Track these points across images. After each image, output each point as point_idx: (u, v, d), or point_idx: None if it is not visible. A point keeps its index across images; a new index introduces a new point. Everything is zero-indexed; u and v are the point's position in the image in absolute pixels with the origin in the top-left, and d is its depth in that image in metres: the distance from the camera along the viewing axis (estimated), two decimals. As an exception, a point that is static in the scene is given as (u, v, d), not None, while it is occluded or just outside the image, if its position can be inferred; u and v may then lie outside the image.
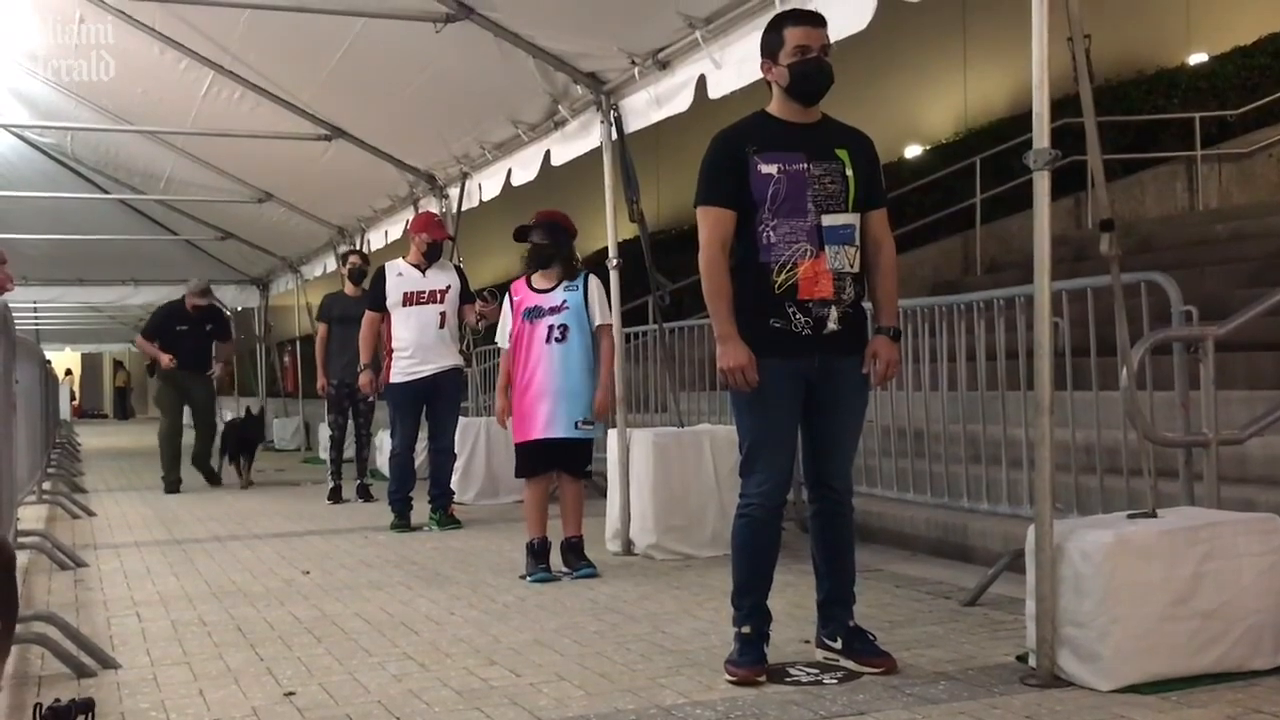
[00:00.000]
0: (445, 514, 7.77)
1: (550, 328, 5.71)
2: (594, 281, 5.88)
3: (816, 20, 3.84)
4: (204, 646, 4.50)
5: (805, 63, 3.75)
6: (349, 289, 9.80)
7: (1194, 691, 3.48)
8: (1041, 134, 3.65)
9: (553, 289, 5.78)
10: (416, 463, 8.05)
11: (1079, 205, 12.46)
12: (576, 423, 5.69)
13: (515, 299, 5.83)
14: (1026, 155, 3.68)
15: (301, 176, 11.08)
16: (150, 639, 4.65)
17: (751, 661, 3.77)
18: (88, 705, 2.83)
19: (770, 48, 3.82)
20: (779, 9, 4.86)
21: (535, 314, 5.73)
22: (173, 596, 5.57)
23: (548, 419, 5.65)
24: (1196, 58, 14.23)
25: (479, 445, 9.27)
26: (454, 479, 8.06)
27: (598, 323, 5.83)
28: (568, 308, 5.74)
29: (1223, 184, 12.99)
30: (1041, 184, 3.66)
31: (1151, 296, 5.01)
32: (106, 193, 14.06)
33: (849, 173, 3.77)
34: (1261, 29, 13.77)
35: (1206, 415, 4.43)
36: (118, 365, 39.93)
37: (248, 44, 8.42)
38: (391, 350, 7.64)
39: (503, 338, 5.92)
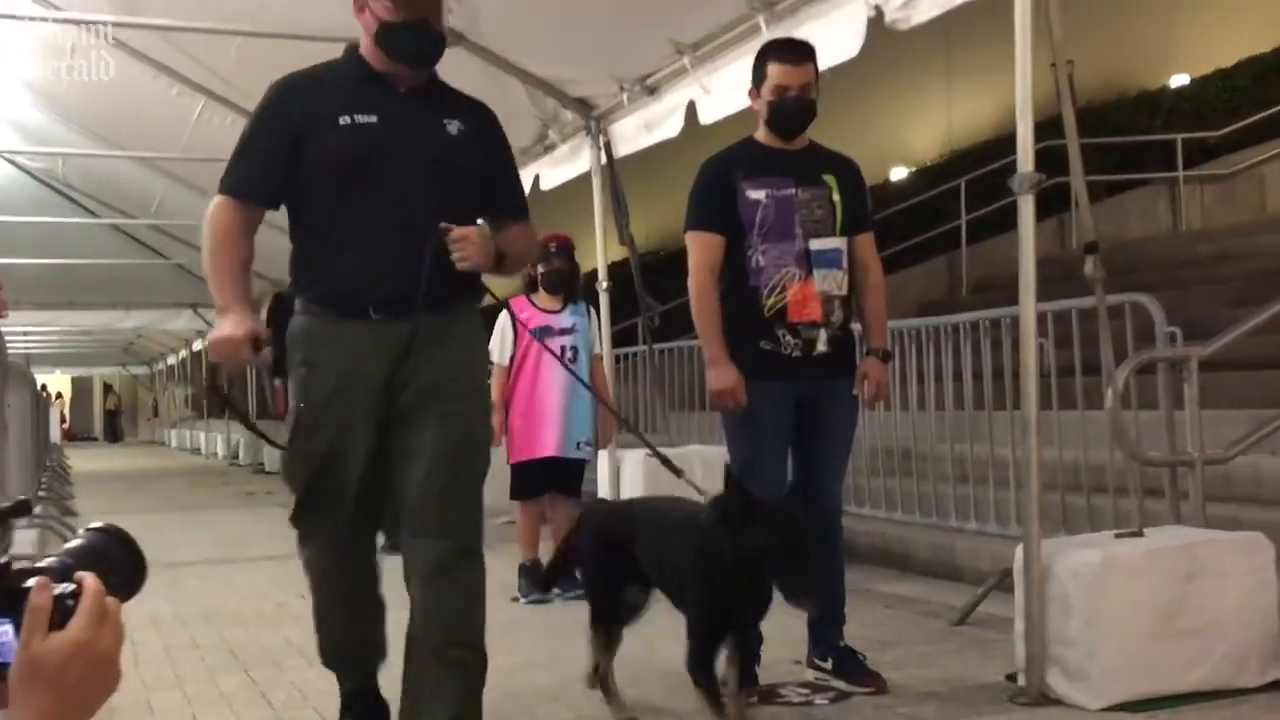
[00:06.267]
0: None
1: (562, 348, 5.75)
2: (593, 311, 5.98)
3: (800, 57, 3.88)
4: (197, 670, 4.51)
5: (784, 103, 3.83)
6: None
7: (1182, 709, 3.51)
8: (1026, 159, 3.70)
9: (559, 311, 5.82)
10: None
11: (1063, 226, 12.54)
12: (579, 443, 5.74)
13: (521, 316, 5.79)
14: (1011, 180, 3.74)
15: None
16: (142, 662, 4.65)
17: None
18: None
19: (756, 78, 3.89)
20: (765, 36, 4.92)
21: (546, 333, 5.73)
22: (165, 619, 5.57)
23: (556, 438, 5.68)
24: (1178, 80, 14.36)
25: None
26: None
27: (596, 350, 5.93)
28: (577, 331, 5.79)
29: (1205, 205, 13.09)
30: (1026, 208, 3.72)
31: (1136, 316, 5.06)
32: (97, 217, 14.09)
33: (836, 197, 3.84)
34: (1241, 52, 13.90)
35: (1191, 435, 4.47)
36: (107, 388, 39.84)
37: (239, 70, 8.45)
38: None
39: (503, 355, 5.81)
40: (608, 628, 3.60)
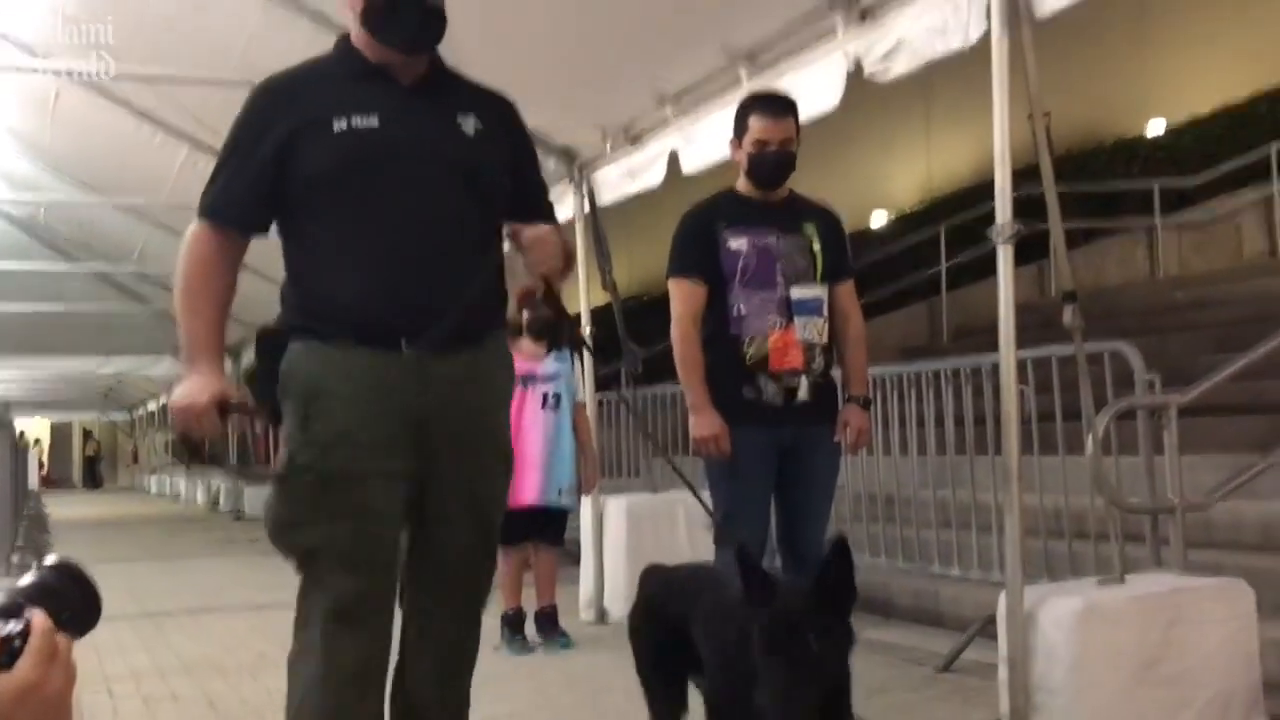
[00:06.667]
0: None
1: (545, 395, 5.75)
2: (576, 357, 5.99)
3: (781, 112, 3.92)
4: (176, 722, 4.47)
5: (763, 157, 3.87)
6: None
7: (1165, 756, 3.52)
8: (1004, 209, 3.74)
9: (543, 357, 5.84)
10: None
11: (1043, 273, 12.65)
12: (560, 491, 5.74)
13: None
14: (990, 230, 3.78)
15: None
16: (122, 716, 4.61)
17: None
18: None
19: (737, 130, 3.93)
20: (746, 87, 4.98)
21: (529, 379, 5.75)
22: (144, 671, 5.51)
23: (537, 486, 5.68)
24: (1154, 128, 14.56)
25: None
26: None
27: (579, 398, 5.93)
28: (560, 378, 5.80)
29: (1182, 252, 13.23)
30: (1005, 256, 3.75)
31: (1115, 363, 5.10)
32: (80, 262, 14.09)
33: (816, 246, 3.88)
34: (1216, 100, 14.12)
35: (1171, 481, 4.49)
36: (87, 434, 39.60)
37: (223, 117, 8.49)
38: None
39: None
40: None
